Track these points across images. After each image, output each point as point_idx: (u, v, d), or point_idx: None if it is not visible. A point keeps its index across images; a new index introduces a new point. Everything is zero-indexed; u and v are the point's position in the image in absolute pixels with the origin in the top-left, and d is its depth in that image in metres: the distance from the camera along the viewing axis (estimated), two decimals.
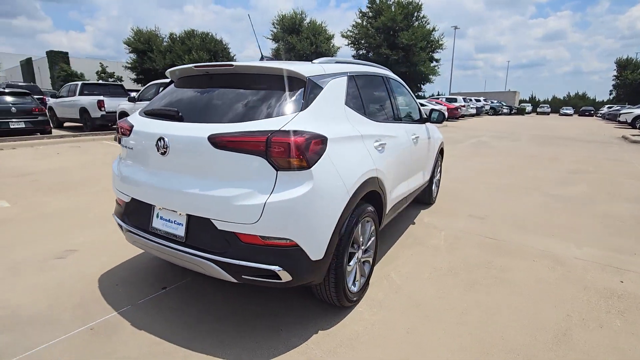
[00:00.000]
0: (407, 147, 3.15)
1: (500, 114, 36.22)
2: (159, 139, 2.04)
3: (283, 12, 21.31)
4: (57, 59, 34.17)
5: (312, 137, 1.89)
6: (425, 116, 3.94)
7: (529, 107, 47.61)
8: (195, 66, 2.31)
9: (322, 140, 1.95)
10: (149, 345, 1.99)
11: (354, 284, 2.37)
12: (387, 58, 15.71)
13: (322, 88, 2.15)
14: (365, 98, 2.66)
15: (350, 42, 17.82)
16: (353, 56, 17.92)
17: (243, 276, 1.89)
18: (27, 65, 43.58)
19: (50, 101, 13.84)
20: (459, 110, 22.84)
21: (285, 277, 1.87)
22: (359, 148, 2.29)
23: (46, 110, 11.55)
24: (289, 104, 2.00)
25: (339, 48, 20.90)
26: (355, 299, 2.36)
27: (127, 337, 2.05)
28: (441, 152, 4.67)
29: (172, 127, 2.07)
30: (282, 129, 1.85)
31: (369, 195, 2.40)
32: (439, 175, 4.79)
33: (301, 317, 2.27)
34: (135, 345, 1.99)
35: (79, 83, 12.56)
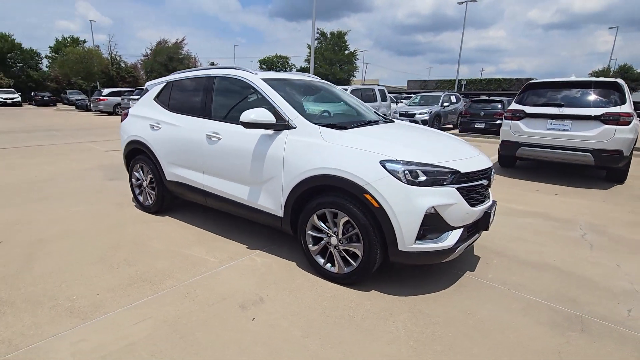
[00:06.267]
0: (192, 139, 3.59)
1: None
2: None
3: None
4: None
5: (126, 112, 4.50)
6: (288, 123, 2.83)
7: None
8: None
9: (126, 114, 4.47)
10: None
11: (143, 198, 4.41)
12: None
13: (148, 90, 4.31)
14: (172, 97, 3.99)
15: None
16: None
17: None
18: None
19: None
20: None
21: None
22: (139, 122, 4.20)
23: None
24: None
25: None
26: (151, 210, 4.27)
27: None
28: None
29: None
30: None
31: (140, 151, 4.18)
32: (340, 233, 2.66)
33: None
34: None
35: None
